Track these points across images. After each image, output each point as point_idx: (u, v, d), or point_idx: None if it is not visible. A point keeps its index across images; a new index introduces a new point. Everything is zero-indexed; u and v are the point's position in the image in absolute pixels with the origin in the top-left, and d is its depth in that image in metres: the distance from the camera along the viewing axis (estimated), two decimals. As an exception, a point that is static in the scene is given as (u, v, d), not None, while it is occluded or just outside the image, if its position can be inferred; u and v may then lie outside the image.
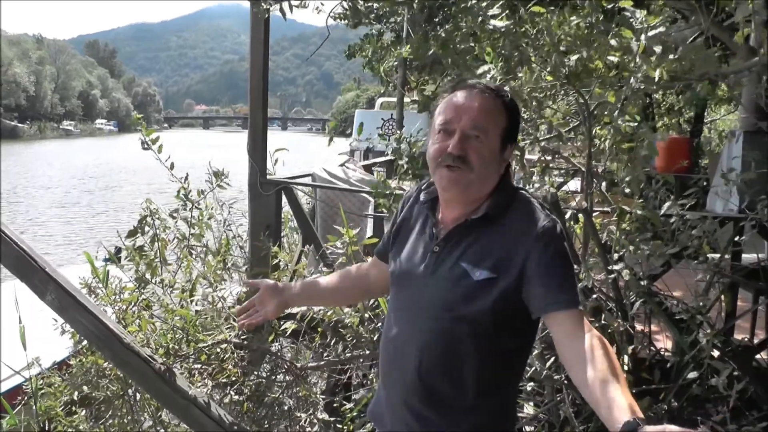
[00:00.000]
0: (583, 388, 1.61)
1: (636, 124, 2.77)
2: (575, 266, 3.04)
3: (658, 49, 2.63)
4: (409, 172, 3.57)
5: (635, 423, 1.41)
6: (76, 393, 3.77)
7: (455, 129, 1.81)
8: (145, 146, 3.99)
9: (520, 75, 3.30)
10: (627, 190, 3.03)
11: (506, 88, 2.61)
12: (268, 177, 5.37)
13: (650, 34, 2.61)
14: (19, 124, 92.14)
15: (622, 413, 1.45)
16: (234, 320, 3.90)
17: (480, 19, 3.08)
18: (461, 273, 1.80)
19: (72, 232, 22.99)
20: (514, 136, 1.90)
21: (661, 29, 2.61)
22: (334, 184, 6.41)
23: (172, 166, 4.09)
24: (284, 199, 5.59)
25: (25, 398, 3.98)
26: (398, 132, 3.84)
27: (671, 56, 2.66)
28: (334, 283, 2.32)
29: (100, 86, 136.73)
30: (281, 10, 3.71)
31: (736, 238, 3.56)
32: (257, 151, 5.30)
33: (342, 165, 7.68)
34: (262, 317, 2.23)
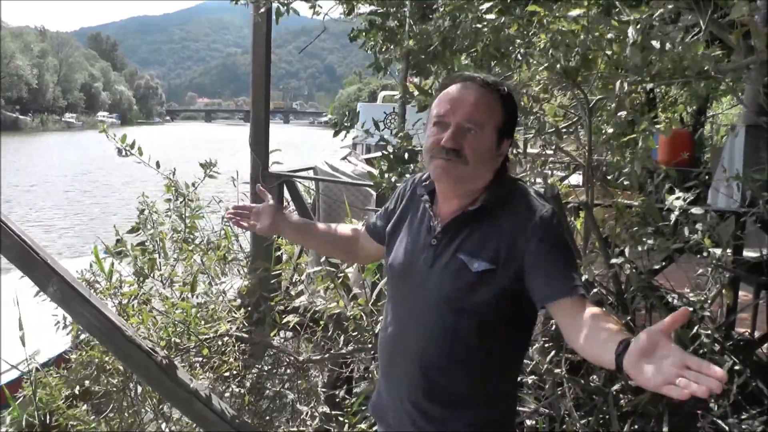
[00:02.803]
0: (587, 352, 1.60)
1: (636, 116, 2.76)
2: (577, 261, 3.06)
3: (656, 43, 2.62)
4: (395, 167, 3.57)
5: (622, 347, 1.40)
6: (77, 387, 3.79)
7: (450, 122, 1.81)
8: (123, 154, 3.99)
9: (517, 71, 3.30)
10: (626, 183, 3.02)
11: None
12: (270, 170, 5.37)
13: (644, 26, 2.61)
14: (21, 117, 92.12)
15: (612, 346, 1.44)
16: (235, 313, 3.91)
17: (476, 15, 3.07)
18: (459, 265, 1.80)
19: (68, 227, 22.98)
20: (511, 130, 1.90)
21: (652, 22, 2.60)
22: (336, 178, 6.40)
23: (158, 165, 4.11)
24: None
25: (25, 391, 4.00)
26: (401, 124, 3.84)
27: (670, 47, 2.66)
28: (325, 232, 2.38)
29: (103, 79, 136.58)
30: (277, 11, 3.71)
31: (738, 233, 3.56)
32: (259, 144, 5.30)
33: (344, 158, 7.67)
34: (249, 226, 2.29)
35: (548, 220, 1.75)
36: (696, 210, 2.85)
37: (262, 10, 3.76)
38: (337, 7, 4.12)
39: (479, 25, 3.04)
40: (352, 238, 2.34)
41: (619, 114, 2.71)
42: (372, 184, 5.31)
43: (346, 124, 3.85)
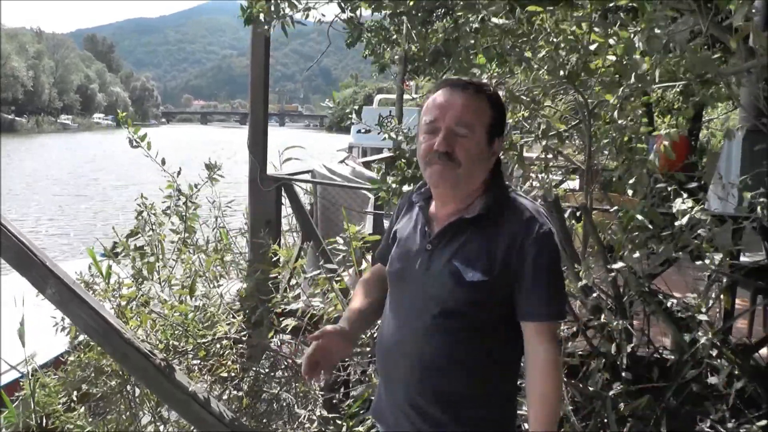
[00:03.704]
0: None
1: (644, 123, 2.77)
2: (576, 265, 3.07)
3: (656, 47, 2.63)
4: (406, 173, 3.57)
5: None
6: (74, 389, 3.78)
7: (440, 127, 1.84)
8: (134, 144, 3.98)
9: (517, 73, 3.31)
10: (630, 192, 3.03)
11: (502, 85, 2.62)
12: (268, 173, 5.36)
13: (647, 33, 2.62)
14: (17, 118, 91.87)
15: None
16: (234, 316, 3.91)
17: (481, 16, 3.08)
18: (453, 272, 1.82)
19: (66, 229, 22.90)
20: (501, 129, 1.93)
21: (658, 30, 2.61)
22: (334, 181, 6.39)
23: (163, 162, 4.09)
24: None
25: (23, 393, 3.98)
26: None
27: (670, 55, 2.67)
28: (372, 301, 2.16)
29: (98, 80, 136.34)
30: (283, 26, 3.71)
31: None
32: (257, 146, 5.29)
33: (342, 161, 7.67)
34: (332, 369, 2.11)
35: (545, 239, 1.80)
36: (699, 215, 2.85)
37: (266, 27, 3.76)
38: (337, 12, 4.11)
39: (482, 26, 3.04)
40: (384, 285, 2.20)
41: (620, 120, 2.71)
42: (370, 187, 5.33)
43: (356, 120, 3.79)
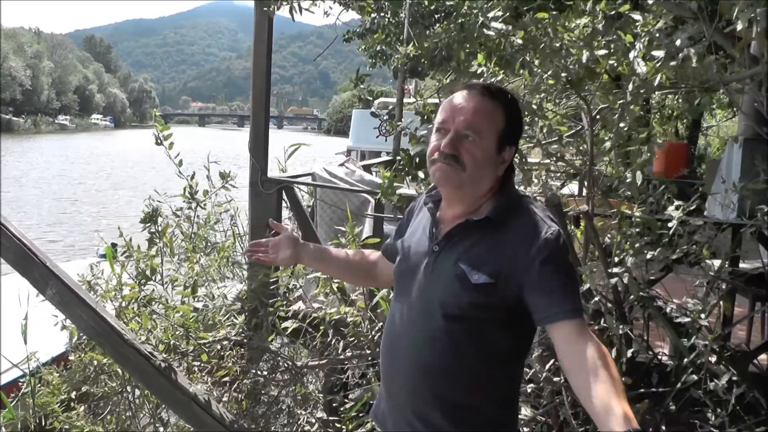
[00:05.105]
0: (582, 396, 1.60)
1: (641, 128, 2.77)
2: (577, 269, 3.07)
3: (659, 53, 2.64)
4: (407, 169, 3.58)
5: None
6: (74, 389, 3.77)
7: (450, 129, 1.84)
8: (158, 142, 4.00)
9: (520, 78, 3.31)
10: (627, 193, 3.04)
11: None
12: (269, 176, 5.37)
13: (649, 38, 2.63)
14: (14, 118, 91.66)
15: (619, 422, 1.46)
16: (234, 318, 3.90)
17: (480, 21, 3.09)
18: (459, 274, 1.80)
19: (65, 230, 22.87)
20: (514, 138, 1.91)
21: (660, 34, 2.62)
22: (334, 184, 6.39)
23: (180, 164, 4.09)
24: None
25: (21, 393, 3.97)
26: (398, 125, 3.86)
27: (672, 62, 2.68)
28: (345, 258, 2.41)
29: (97, 81, 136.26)
30: (290, 10, 3.70)
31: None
32: (259, 149, 5.29)
33: (342, 165, 7.67)
34: (271, 260, 2.36)
35: (553, 242, 1.76)
36: (694, 220, 2.86)
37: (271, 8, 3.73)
38: (336, 11, 4.13)
39: (486, 32, 3.05)
40: (371, 262, 2.37)
41: (621, 125, 2.72)
42: (369, 189, 5.33)
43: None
